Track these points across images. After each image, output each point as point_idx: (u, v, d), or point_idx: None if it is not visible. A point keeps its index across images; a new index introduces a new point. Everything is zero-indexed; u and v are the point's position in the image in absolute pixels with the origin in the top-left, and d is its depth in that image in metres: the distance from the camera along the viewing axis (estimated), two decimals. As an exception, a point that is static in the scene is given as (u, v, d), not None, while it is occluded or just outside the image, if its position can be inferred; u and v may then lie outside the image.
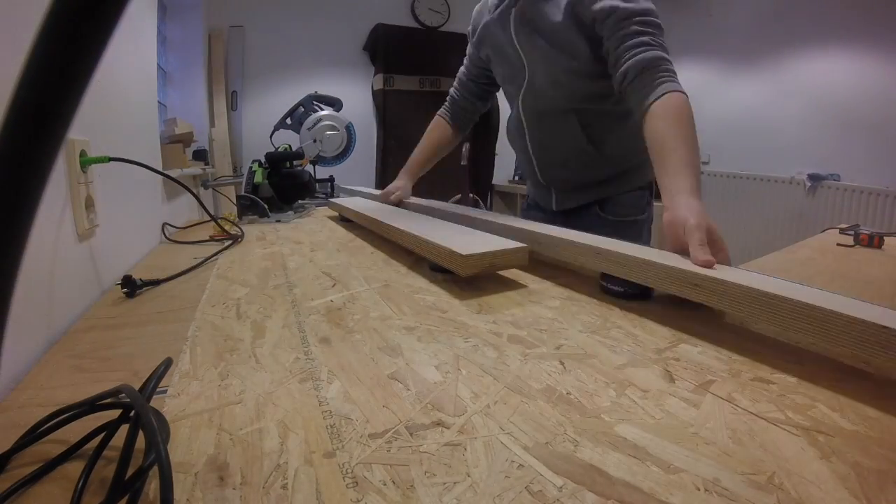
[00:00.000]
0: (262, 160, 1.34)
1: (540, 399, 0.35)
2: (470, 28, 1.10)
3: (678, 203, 0.61)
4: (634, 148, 0.86)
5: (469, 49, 1.14)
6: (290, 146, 1.52)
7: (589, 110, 0.93)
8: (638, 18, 0.76)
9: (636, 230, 0.97)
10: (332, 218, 1.28)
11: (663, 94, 0.71)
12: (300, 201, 1.39)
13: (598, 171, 0.98)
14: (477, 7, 1.07)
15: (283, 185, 1.33)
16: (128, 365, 0.44)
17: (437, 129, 1.22)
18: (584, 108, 0.93)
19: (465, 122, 1.22)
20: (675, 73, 0.75)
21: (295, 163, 1.42)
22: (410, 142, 1.48)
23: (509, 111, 1.10)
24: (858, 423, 0.32)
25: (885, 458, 0.28)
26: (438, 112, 1.23)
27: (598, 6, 0.79)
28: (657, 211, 0.89)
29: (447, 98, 1.23)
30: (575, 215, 1.04)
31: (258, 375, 0.40)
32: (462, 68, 1.18)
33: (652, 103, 0.72)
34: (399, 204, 1.15)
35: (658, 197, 0.79)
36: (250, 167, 1.33)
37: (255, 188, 1.30)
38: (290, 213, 1.29)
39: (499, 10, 0.97)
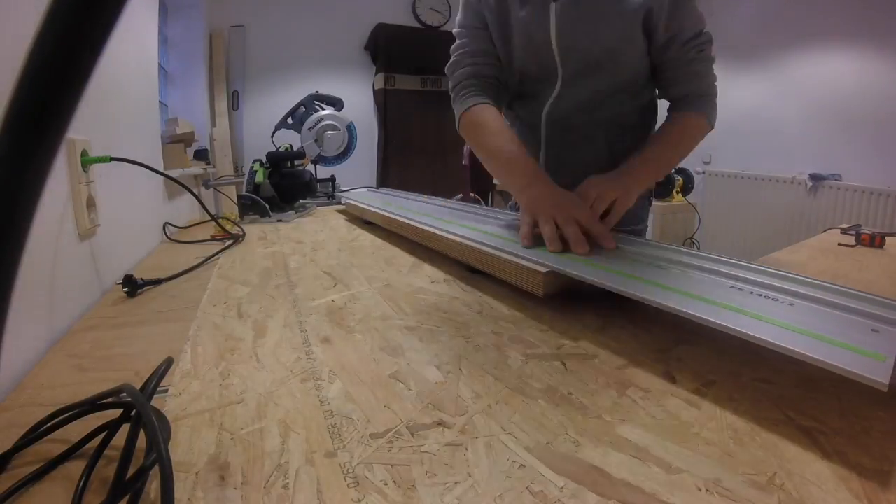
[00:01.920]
0: (264, 160, 1.34)
1: (541, 399, 0.35)
2: None
3: (618, 175, 0.73)
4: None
5: (472, 20, 0.86)
6: (290, 146, 1.52)
7: (620, 126, 0.86)
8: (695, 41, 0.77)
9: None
10: (332, 218, 1.28)
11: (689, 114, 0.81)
12: (301, 201, 1.39)
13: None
14: None
15: (285, 185, 1.33)
16: (129, 364, 0.44)
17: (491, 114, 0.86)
18: (617, 124, 0.86)
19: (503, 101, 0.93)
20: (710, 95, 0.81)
21: (296, 162, 1.42)
22: (411, 141, 1.47)
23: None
24: (860, 423, 0.31)
25: (887, 459, 0.28)
26: (475, 103, 0.84)
27: (671, 26, 0.75)
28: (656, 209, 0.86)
29: (470, 84, 0.87)
30: None
31: (259, 375, 0.40)
32: (468, 42, 0.87)
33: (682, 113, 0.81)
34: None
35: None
36: (251, 167, 1.33)
37: (256, 188, 1.30)
38: (290, 212, 1.29)
39: (520, 10, 0.80)
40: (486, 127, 0.83)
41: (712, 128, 0.81)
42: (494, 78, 0.88)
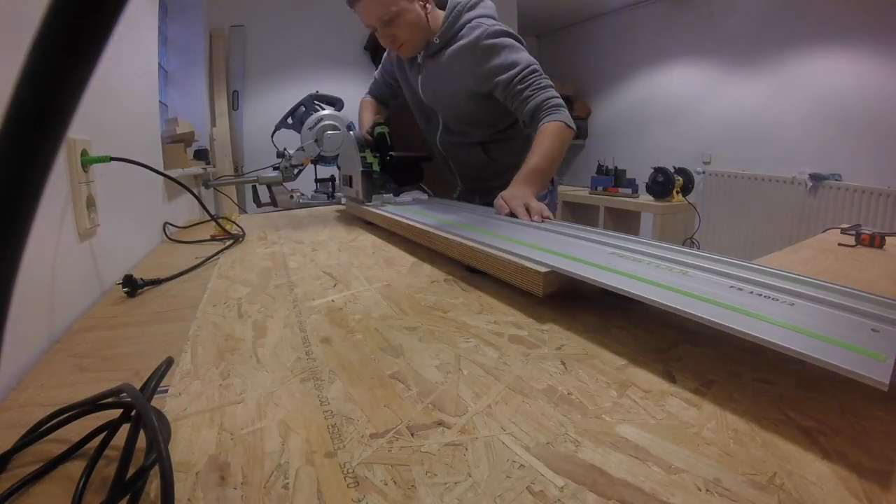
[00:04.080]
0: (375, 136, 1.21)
1: (541, 399, 0.35)
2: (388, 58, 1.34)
3: (512, 187, 1.00)
4: (522, 159, 1.15)
5: (386, 66, 1.38)
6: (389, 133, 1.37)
7: (488, 142, 1.24)
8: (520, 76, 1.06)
9: None
10: (333, 218, 1.28)
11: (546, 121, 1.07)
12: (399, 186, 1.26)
13: (501, 178, 1.21)
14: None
15: (399, 167, 1.22)
16: (129, 364, 0.44)
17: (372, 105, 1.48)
18: (485, 141, 1.24)
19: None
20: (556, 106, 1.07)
21: (293, 160, 1.43)
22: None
23: None
24: (860, 423, 0.31)
25: (887, 459, 0.28)
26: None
27: (494, 81, 1.08)
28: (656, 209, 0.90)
29: (369, 90, 1.48)
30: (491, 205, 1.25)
31: (259, 375, 0.40)
32: (378, 75, 1.42)
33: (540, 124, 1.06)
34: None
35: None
36: (373, 138, 1.19)
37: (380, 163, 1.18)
38: (389, 195, 1.21)
39: (408, 71, 1.24)
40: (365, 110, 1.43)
41: (566, 124, 1.05)
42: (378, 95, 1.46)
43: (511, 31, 1.09)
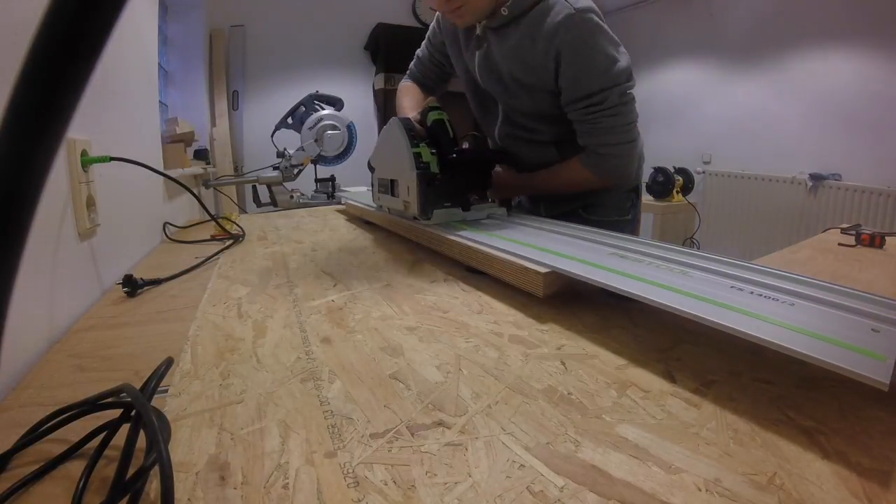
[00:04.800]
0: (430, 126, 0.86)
1: (541, 399, 0.35)
2: (437, 26, 1.05)
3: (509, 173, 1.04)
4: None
5: (433, 38, 1.09)
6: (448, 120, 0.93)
7: (563, 141, 0.94)
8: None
9: (618, 230, 0.78)
10: (332, 218, 1.28)
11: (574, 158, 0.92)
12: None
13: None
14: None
15: (468, 170, 0.87)
16: (129, 364, 0.44)
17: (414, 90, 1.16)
18: (559, 140, 0.95)
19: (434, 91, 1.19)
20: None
21: (293, 160, 1.39)
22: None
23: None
24: (859, 423, 0.31)
25: (887, 459, 0.28)
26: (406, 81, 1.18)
27: (561, 86, 0.84)
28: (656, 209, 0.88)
29: (409, 72, 1.18)
30: (561, 218, 0.93)
31: (259, 375, 0.40)
32: (422, 52, 1.13)
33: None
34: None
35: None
36: (427, 127, 0.86)
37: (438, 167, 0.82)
38: (456, 209, 0.86)
39: (463, 45, 0.97)
40: (406, 95, 1.12)
41: (598, 177, 0.90)
42: (424, 78, 1.15)
43: (606, 27, 0.80)
